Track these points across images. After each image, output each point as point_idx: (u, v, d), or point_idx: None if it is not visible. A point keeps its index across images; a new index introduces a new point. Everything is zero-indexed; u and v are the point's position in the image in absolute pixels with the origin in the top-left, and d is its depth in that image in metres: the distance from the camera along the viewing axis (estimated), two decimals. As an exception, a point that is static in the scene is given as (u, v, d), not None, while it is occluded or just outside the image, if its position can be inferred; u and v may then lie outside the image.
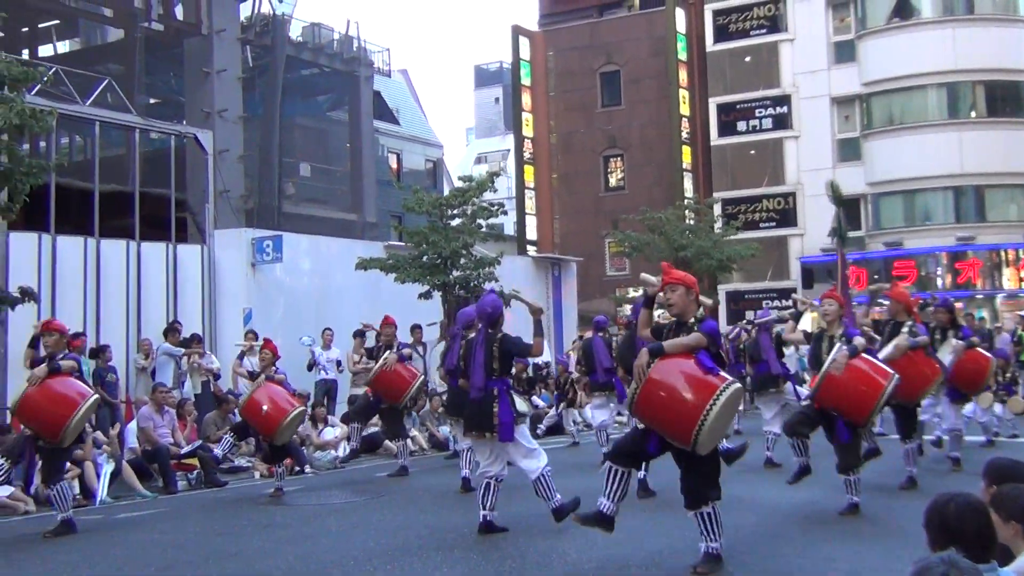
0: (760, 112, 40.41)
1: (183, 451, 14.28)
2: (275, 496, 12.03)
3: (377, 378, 13.32)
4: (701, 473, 6.80)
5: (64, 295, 17.52)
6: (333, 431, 16.24)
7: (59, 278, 17.51)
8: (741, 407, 12.88)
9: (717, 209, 37.10)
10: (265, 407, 11.80)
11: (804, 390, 15.53)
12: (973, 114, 37.05)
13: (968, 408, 14.29)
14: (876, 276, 36.23)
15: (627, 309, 21.08)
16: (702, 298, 7.97)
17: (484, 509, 8.80)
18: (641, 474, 10.14)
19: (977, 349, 12.94)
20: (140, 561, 8.59)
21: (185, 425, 14.92)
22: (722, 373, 6.71)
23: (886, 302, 13.01)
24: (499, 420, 8.63)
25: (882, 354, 10.61)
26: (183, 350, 16.71)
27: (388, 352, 13.32)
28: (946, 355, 12.12)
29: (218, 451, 13.25)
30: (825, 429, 9.42)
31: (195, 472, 14.16)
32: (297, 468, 14.92)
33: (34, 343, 10.19)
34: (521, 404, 11.93)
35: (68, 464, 12.54)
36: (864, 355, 9.35)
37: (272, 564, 8.04)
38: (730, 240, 32.44)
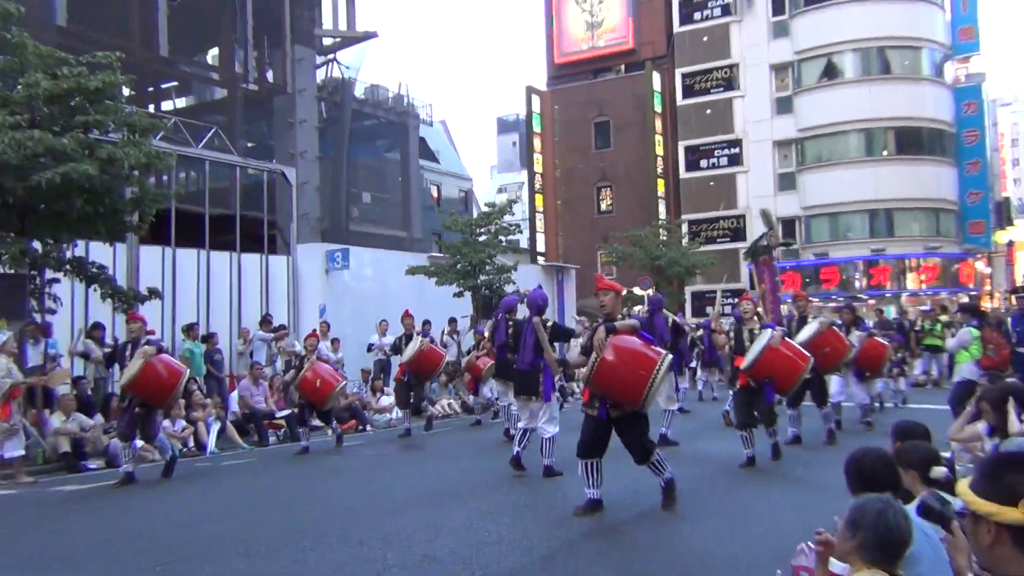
0: (718, 152, 40.32)
1: (278, 414, 14.36)
2: (337, 448, 12.15)
3: (418, 357, 13.09)
4: (642, 431, 6.77)
5: (181, 294, 17.58)
6: (388, 398, 16.27)
7: (178, 281, 17.57)
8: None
9: (684, 228, 37.14)
10: (318, 382, 11.85)
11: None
12: (885, 153, 36.80)
13: (879, 385, 14.09)
14: (807, 280, 36.11)
15: (636, 309, 20.97)
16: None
17: (518, 447, 9.22)
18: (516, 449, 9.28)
19: (875, 338, 12.95)
20: (237, 499, 8.64)
21: (274, 394, 14.98)
22: (657, 347, 6.82)
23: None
24: (543, 387, 9.14)
25: (806, 331, 10.71)
26: (272, 335, 16.76)
27: (421, 337, 13.26)
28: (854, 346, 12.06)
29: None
30: (754, 403, 9.29)
31: (282, 430, 14.22)
32: (360, 427, 14.96)
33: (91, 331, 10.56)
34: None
35: (183, 423, 12.66)
36: (787, 340, 9.54)
37: (340, 502, 8.08)
38: (694, 252, 32.41)
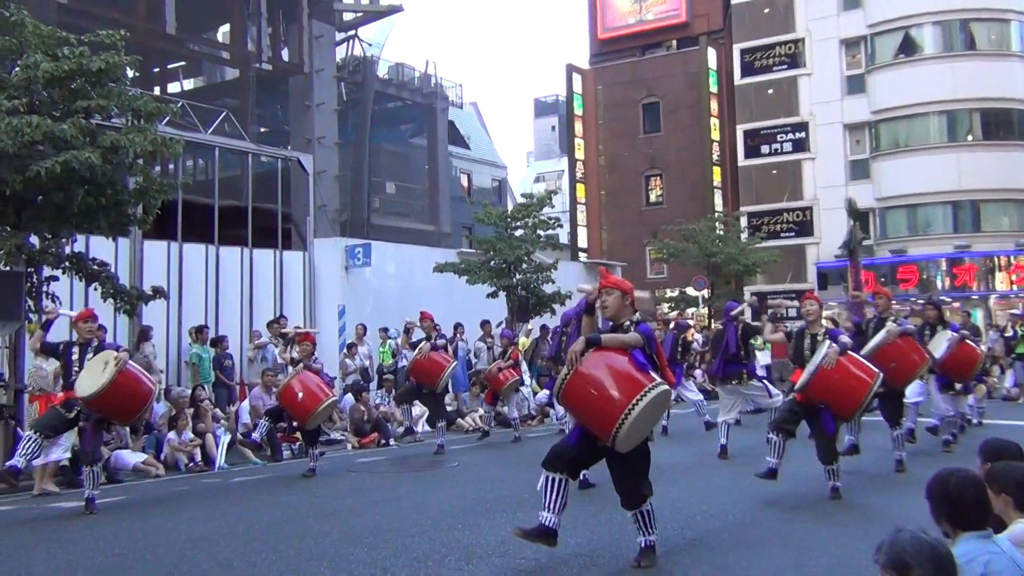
0: (781, 137, 40.02)
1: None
2: (308, 476, 11.24)
3: (415, 366, 13.01)
4: (636, 471, 6.02)
5: (189, 293, 17.81)
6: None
7: (185, 279, 17.80)
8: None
9: (743, 221, 36.86)
10: (300, 395, 11.14)
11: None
12: (970, 138, 36.27)
13: (970, 399, 13.67)
14: (883, 280, 35.73)
15: (665, 307, 20.90)
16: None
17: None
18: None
19: (968, 342, 12.32)
20: (252, 518, 8.72)
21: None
22: (652, 373, 5.84)
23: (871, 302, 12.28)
24: None
25: (873, 341, 10.22)
26: (268, 340, 16.47)
27: (424, 342, 13.00)
28: (937, 348, 11.64)
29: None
30: (809, 423, 8.66)
31: (298, 443, 14.31)
32: (383, 441, 15.03)
33: (46, 326, 9.61)
34: None
35: (190, 434, 12.81)
36: (851, 353, 8.68)
37: (362, 523, 8.12)
38: (755, 248, 32.20)
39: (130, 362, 9.10)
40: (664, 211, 40.42)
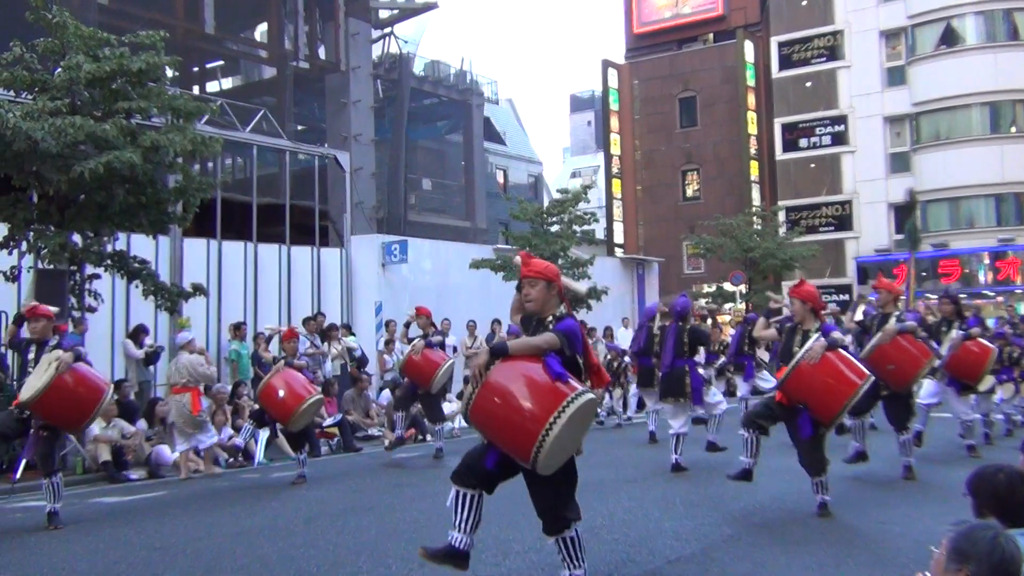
0: (820, 130, 39.64)
1: (326, 422, 14.54)
2: (297, 483, 10.53)
3: (408, 364, 12.11)
4: (561, 493, 5.10)
5: (228, 290, 17.98)
6: (450, 406, 16.32)
7: (224, 276, 17.97)
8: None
9: (781, 216, 36.59)
10: (282, 393, 10.44)
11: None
12: (1013, 129, 35.65)
13: (995, 397, 13.23)
14: (924, 274, 35.29)
15: (702, 302, 20.75)
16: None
17: (675, 454, 10.24)
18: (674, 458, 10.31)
19: (976, 340, 11.39)
20: (290, 513, 8.79)
21: (328, 400, 15.16)
22: (572, 381, 4.91)
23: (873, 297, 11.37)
24: (691, 387, 10.28)
25: (870, 343, 9.51)
26: (306, 341, 16.49)
27: (417, 340, 12.14)
28: (944, 350, 11.02)
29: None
30: (787, 425, 7.79)
31: (335, 439, 14.43)
32: (419, 437, 15.09)
33: (19, 321, 8.82)
34: (704, 372, 11.78)
35: (230, 431, 12.92)
36: (842, 352, 7.73)
37: (399, 518, 8.16)
38: (793, 242, 31.93)
39: (79, 364, 8.30)
40: (701, 206, 40.21)
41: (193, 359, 12.06)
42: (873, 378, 7.91)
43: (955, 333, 11.23)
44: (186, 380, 11.84)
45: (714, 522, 7.44)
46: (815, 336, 7.65)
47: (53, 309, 8.94)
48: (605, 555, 6.44)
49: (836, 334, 7.80)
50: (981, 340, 11.56)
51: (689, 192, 42.94)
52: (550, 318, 5.20)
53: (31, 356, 8.50)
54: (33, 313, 8.57)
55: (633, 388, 17.28)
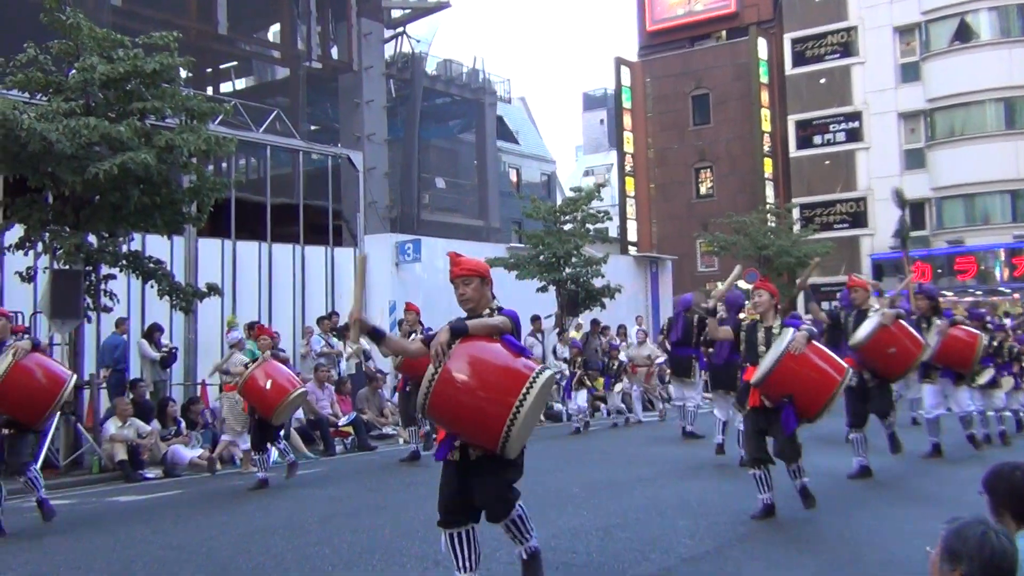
0: (834, 127, 39.50)
1: (341, 421, 14.59)
2: (260, 487, 10.15)
3: (405, 364, 11.49)
4: (506, 479, 4.94)
5: (242, 290, 18.03)
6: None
7: (238, 276, 18.02)
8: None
9: (795, 213, 36.45)
10: (267, 384, 10.19)
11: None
12: (1029, 125, 35.49)
13: (1000, 394, 12.91)
14: (940, 271, 35.13)
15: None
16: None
17: (721, 435, 10.93)
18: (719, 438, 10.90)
19: (961, 325, 11.23)
20: (305, 512, 8.82)
21: (342, 399, 15.23)
22: (530, 359, 4.96)
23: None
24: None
25: (867, 327, 9.22)
26: (320, 341, 16.52)
27: (414, 338, 11.16)
28: (932, 340, 10.66)
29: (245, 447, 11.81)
30: (769, 429, 7.46)
31: (350, 438, 14.46)
32: (435, 436, 15.08)
33: None
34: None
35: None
36: (816, 344, 7.52)
37: (413, 516, 8.16)
38: (807, 240, 31.81)
39: (36, 353, 8.02)
40: (714, 203, 40.10)
41: (243, 358, 12.18)
42: (852, 371, 7.86)
43: (938, 322, 10.93)
44: (237, 379, 11.90)
45: (728, 521, 7.41)
46: (787, 332, 7.36)
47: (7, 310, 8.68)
48: (619, 553, 6.43)
49: (808, 325, 7.67)
50: (966, 326, 11.37)
51: (702, 190, 42.84)
52: (487, 312, 5.10)
53: None
54: None
55: (634, 387, 17.24)
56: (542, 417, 17.39)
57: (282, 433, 11.52)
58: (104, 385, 13.54)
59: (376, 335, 5.16)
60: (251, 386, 10.28)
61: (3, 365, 7.66)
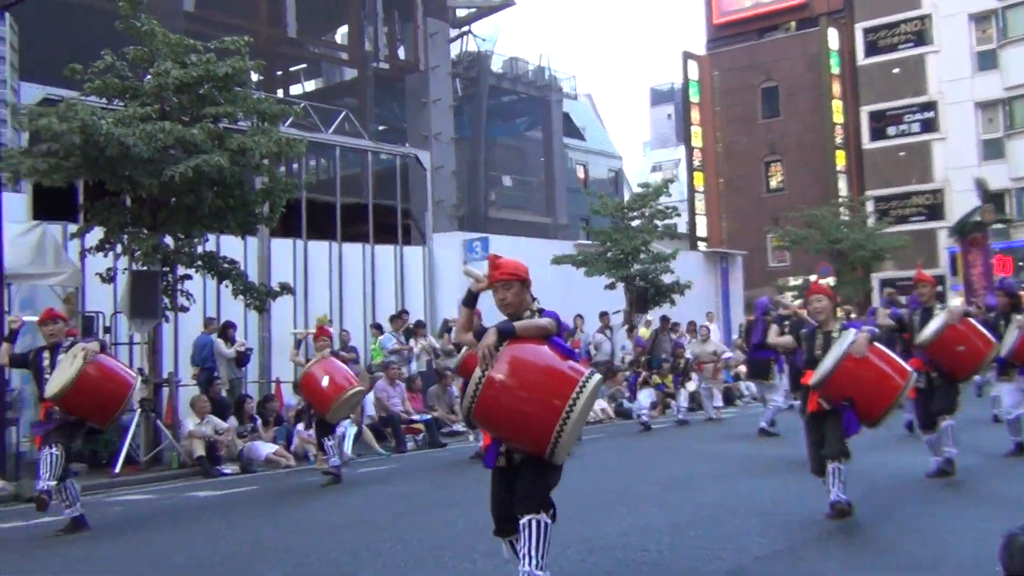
0: (908, 118, 38.57)
1: (413, 417, 14.71)
2: (334, 480, 10.21)
3: (464, 365, 11.02)
4: (544, 479, 4.74)
5: (313, 289, 18.30)
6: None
7: (310, 275, 18.30)
8: None
9: (869, 206, 35.73)
10: (325, 382, 10.12)
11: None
12: (1113, 112, 34.28)
13: None
14: (1021, 264, 34.10)
15: (788, 297, 20.39)
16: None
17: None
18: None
19: None
20: (377, 508, 8.91)
21: (413, 396, 15.33)
22: (578, 363, 4.78)
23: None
24: None
25: (933, 326, 8.80)
26: (392, 339, 16.62)
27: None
28: (1010, 337, 10.19)
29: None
30: (823, 430, 7.18)
31: (421, 435, 14.56)
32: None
33: (11, 337, 8.52)
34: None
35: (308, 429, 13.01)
36: (877, 346, 7.23)
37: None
38: (882, 233, 31.17)
39: (104, 355, 8.13)
40: (785, 197, 39.50)
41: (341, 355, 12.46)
42: (915, 374, 7.54)
43: (1018, 317, 10.36)
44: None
45: (803, 519, 7.27)
46: (847, 334, 7.12)
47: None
48: (690, 551, 6.37)
49: (869, 328, 7.35)
50: None
51: (773, 183, 42.24)
52: (527, 315, 4.89)
53: (46, 363, 8.14)
54: (50, 315, 8.40)
55: (702, 384, 16.99)
56: (611, 414, 17.39)
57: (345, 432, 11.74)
58: (195, 383, 14.04)
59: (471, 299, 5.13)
60: (309, 382, 10.25)
61: (74, 367, 7.71)
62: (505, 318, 4.90)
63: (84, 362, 7.69)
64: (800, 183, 40.10)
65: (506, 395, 4.54)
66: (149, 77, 12.16)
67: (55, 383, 7.79)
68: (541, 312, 4.89)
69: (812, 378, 7.21)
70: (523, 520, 4.67)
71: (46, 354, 8.18)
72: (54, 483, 7.67)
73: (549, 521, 4.68)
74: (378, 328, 17.27)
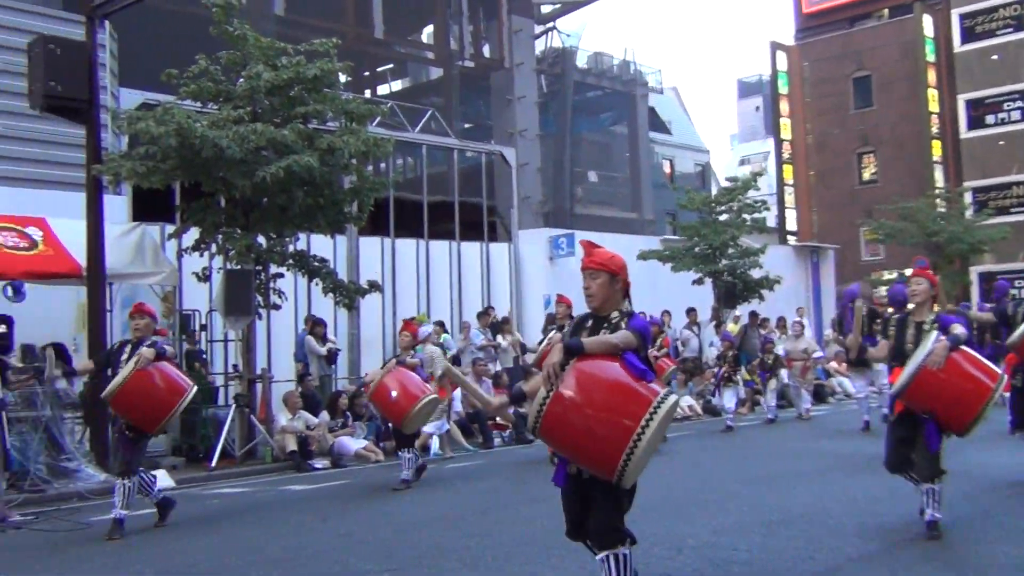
0: (1008, 105, 37.19)
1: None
2: (399, 489, 9.80)
3: (543, 358, 10.40)
4: (617, 506, 4.47)
5: (401, 287, 18.51)
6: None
7: (398, 273, 18.50)
8: None
9: (968, 197, 34.55)
10: (394, 393, 9.75)
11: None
12: None
13: None
14: None
15: (882, 291, 19.87)
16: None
17: None
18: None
19: None
20: (464, 503, 8.96)
21: (500, 392, 15.35)
22: (654, 383, 4.35)
23: None
24: None
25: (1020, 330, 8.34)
26: (478, 332, 16.82)
27: (554, 332, 10.78)
28: None
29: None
30: (911, 432, 6.67)
31: (508, 431, 14.60)
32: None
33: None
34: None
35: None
36: (965, 349, 6.56)
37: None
38: (981, 225, 30.11)
39: (160, 363, 7.90)
40: (878, 189, 38.51)
41: (434, 351, 12.79)
42: (1005, 377, 7.00)
43: None
44: (431, 370, 12.30)
45: (899, 519, 7.07)
46: (933, 333, 6.57)
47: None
48: (783, 551, 6.25)
49: (958, 328, 6.60)
50: None
51: (865, 175, 41.20)
52: (615, 315, 4.59)
53: (124, 356, 8.03)
54: (139, 309, 8.24)
55: (792, 382, 16.59)
56: (699, 411, 17.19)
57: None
58: (296, 379, 14.43)
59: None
60: (381, 394, 9.94)
61: (126, 371, 7.71)
62: (589, 311, 4.68)
63: (134, 367, 7.68)
64: (894, 175, 39.06)
65: (572, 416, 4.25)
66: (242, 80, 12.45)
67: (112, 383, 7.81)
68: (630, 317, 4.55)
69: (894, 386, 6.77)
70: (600, 556, 4.46)
71: (127, 348, 8.10)
72: (126, 512, 7.72)
73: (628, 552, 4.45)
74: (441, 326, 17.24)
